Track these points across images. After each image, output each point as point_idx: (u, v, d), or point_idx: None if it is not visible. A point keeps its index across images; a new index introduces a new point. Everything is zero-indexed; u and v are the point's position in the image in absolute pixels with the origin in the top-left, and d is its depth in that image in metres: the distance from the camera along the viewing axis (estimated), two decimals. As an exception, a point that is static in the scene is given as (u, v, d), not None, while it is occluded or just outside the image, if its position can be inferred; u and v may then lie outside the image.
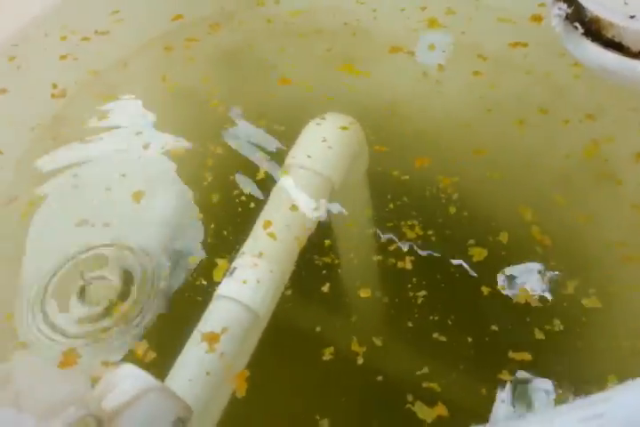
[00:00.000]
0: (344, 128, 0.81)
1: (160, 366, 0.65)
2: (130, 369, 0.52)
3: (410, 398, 0.63)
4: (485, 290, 0.72)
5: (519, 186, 0.85)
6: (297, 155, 0.78)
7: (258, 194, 0.86)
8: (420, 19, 1.01)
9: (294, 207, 0.72)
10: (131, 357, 0.70)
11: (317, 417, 0.65)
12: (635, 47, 0.39)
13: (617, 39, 0.39)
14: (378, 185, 0.87)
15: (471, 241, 0.77)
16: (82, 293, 0.77)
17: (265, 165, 0.89)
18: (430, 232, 0.80)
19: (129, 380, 0.51)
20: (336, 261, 0.80)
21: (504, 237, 0.78)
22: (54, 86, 0.97)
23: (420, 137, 0.91)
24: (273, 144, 0.92)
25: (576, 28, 0.42)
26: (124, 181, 0.89)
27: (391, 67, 0.99)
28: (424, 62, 0.98)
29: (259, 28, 1.08)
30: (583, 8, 0.41)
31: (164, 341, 0.72)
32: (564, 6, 0.43)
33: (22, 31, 1.03)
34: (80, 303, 0.77)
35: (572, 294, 0.72)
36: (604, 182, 0.83)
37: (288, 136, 0.85)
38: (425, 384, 0.63)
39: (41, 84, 0.99)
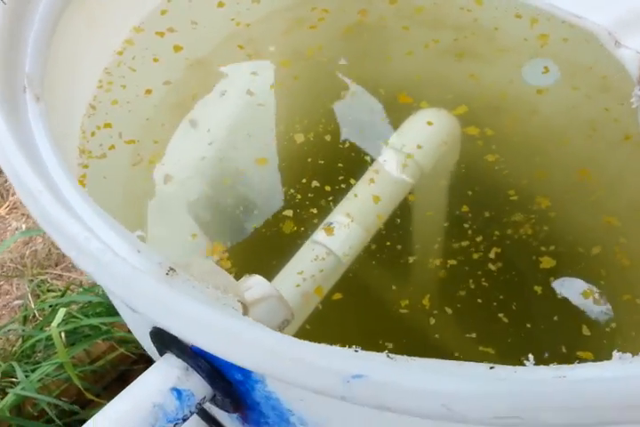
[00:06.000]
0: (449, 123, 0.93)
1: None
2: (261, 278, 0.68)
3: (461, 356, 0.77)
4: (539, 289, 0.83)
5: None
6: (399, 139, 0.92)
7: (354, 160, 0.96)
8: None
9: (410, 197, 0.86)
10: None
11: (381, 342, 0.79)
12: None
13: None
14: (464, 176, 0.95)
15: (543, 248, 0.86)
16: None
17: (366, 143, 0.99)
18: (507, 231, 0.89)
19: (260, 285, 0.67)
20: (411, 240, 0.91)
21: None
22: (241, 47, 1.03)
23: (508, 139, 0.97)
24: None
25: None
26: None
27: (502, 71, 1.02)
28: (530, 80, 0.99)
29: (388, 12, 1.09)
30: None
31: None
32: (645, 89, 0.51)
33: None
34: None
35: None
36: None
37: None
38: (481, 348, 0.77)
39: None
